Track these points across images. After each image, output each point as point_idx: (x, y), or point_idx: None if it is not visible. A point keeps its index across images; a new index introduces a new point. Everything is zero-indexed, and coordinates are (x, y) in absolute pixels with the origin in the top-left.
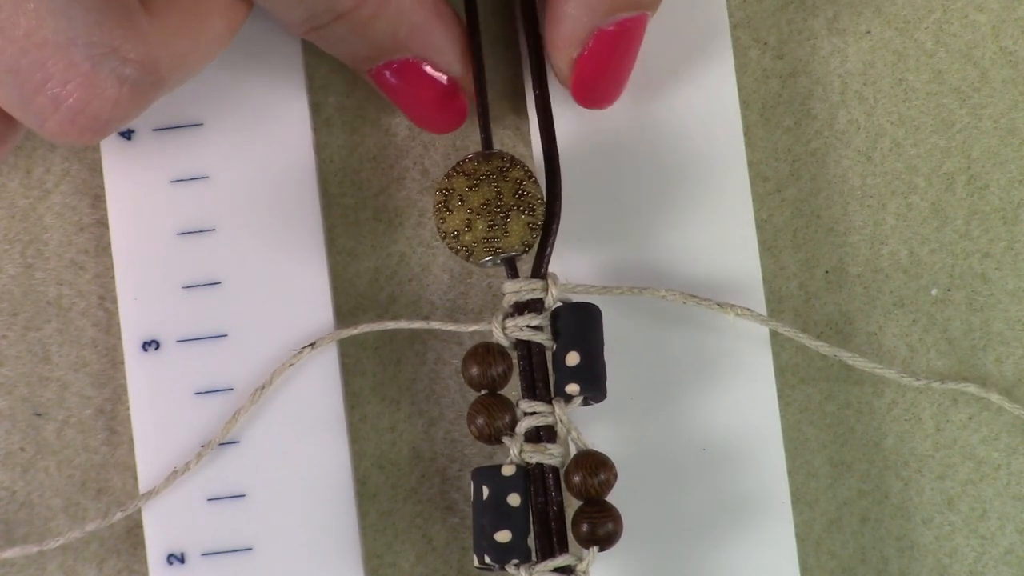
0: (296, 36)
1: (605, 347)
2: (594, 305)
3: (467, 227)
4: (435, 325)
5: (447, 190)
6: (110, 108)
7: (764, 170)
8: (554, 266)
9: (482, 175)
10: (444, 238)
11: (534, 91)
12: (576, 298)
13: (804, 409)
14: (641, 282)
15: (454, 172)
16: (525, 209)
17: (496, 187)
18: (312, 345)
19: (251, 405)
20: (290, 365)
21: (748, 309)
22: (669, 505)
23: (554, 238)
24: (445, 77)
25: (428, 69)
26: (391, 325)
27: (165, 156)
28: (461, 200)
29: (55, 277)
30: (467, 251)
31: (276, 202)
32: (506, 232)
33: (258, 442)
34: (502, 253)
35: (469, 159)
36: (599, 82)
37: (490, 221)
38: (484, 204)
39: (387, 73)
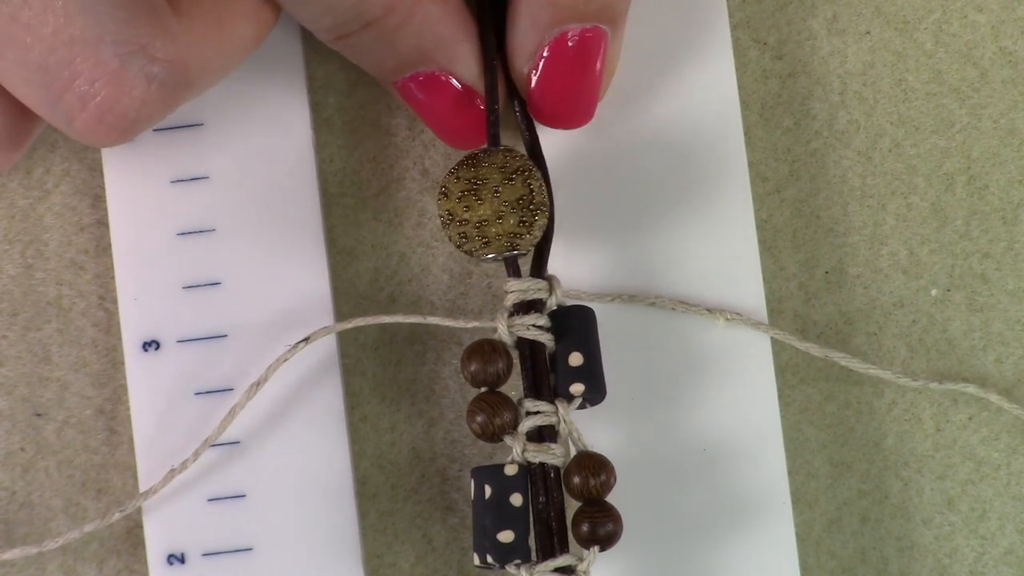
0: (326, 43)
1: (602, 349)
2: (589, 307)
3: (498, 218)
4: (432, 320)
5: (477, 179)
6: (138, 107)
7: (764, 170)
8: (553, 266)
9: (514, 171)
10: (462, 225)
11: (511, 98)
12: (569, 302)
13: (804, 409)
14: (640, 282)
15: (479, 162)
16: (546, 210)
17: (528, 185)
18: (306, 340)
19: (247, 401)
20: (284, 360)
21: (737, 314)
22: (669, 505)
23: (551, 238)
24: (471, 90)
25: (454, 82)
26: (387, 319)
27: (165, 156)
28: (496, 192)
29: (55, 277)
30: (484, 241)
31: (276, 202)
32: (531, 230)
33: (258, 442)
34: (517, 250)
35: (497, 152)
36: (551, 100)
37: (522, 217)
38: (520, 199)
39: (413, 86)
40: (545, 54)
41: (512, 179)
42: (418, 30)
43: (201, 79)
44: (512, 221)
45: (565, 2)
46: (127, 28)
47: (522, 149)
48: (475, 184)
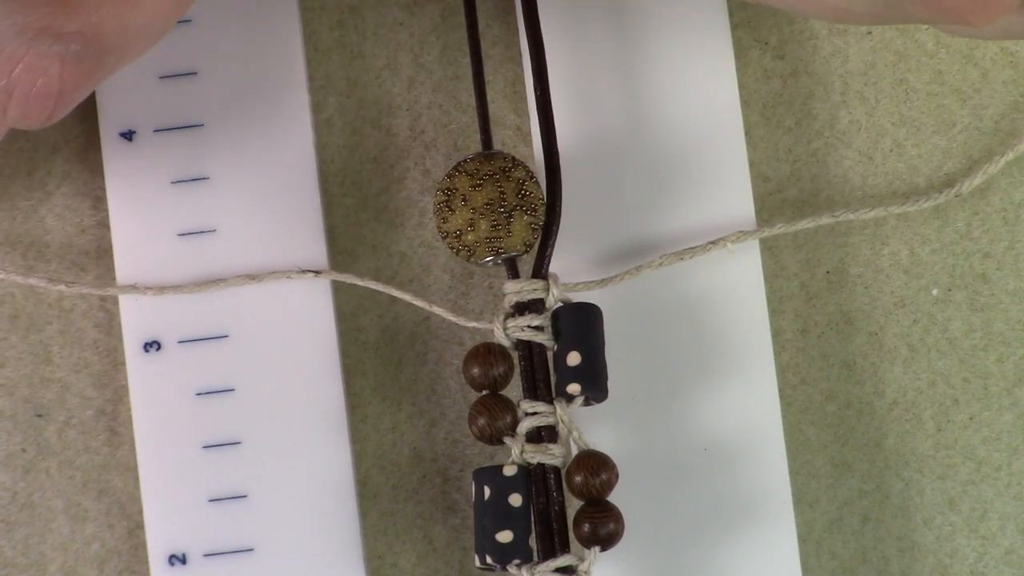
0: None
1: (606, 347)
2: (594, 305)
3: (470, 227)
4: (437, 310)
5: (449, 190)
6: (58, 84)
7: (764, 170)
8: (554, 266)
9: (485, 175)
10: (445, 237)
11: (535, 91)
12: (576, 296)
13: (804, 409)
14: (641, 281)
15: (456, 172)
16: (527, 209)
17: (499, 187)
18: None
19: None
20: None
21: (740, 232)
22: (670, 505)
23: (555, 238)
24: None
25: None
26: (395, 292)
27: (166, 157)
28: (464, 200)
29: (56, 278)
30: (468, 251)
31: (277, 203)
32: (509, 232)
33: (259, 443)
34: (504, 253)
35: (471, 159)
36: None
37: (493, 221)
38: (487, 204)
39: None
40: None
41: (480, 184)
42: None
43: (122, 43)
44: (484, 226)
45: None
46: (23, 14)
47: (514, 145)
48: (448, 194)
